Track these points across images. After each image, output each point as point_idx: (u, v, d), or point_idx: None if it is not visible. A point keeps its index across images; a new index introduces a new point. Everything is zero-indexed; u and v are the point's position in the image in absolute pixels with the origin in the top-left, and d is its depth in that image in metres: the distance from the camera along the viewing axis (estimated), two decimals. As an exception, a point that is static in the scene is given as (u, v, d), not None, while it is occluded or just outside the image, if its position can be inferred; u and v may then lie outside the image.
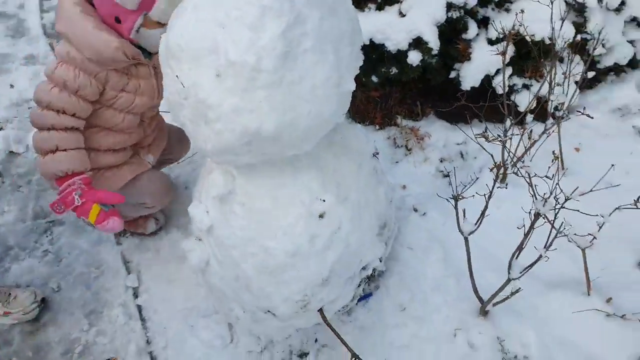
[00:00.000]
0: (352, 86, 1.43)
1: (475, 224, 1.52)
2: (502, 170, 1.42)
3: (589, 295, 1.91)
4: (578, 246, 1.79)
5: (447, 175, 2.37)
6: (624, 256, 2.04)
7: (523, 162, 1.59)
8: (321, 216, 1.60)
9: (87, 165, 1.75)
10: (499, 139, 1.63)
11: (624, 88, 2.61)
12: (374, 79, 2.32)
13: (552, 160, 1.55)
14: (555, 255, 2.01)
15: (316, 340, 1.94)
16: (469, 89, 2.27)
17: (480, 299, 1.80)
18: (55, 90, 1.66)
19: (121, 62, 1.70)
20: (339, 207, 1.63)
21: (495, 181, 1.46)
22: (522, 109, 2.32)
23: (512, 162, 1.86)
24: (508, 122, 1.98)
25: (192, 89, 1.32)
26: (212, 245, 1.73)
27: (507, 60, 2.28)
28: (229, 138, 1.34)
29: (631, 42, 2.51)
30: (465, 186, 1.50)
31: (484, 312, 1.87)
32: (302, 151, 1.48)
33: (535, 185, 1.53)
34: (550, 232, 1.46)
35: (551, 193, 1.39)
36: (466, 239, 1.57)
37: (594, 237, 1.73)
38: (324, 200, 1.60)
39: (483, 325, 1.87)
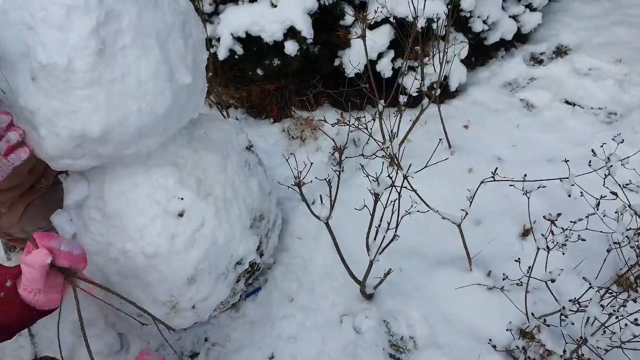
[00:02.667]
0: (188, 79, 1.40)
1: (330, 209, 1.52)
2: (341, 155, 1.42)
3: (470, 270, 1.95)
4: (453, 222, 1.82)
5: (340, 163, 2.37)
6: (508, 229, 2.08)
7: (383, 143, 1.60)
8: (180, 215, 1.57)
9: None
10: (353, 124, 1.64)
11: (512, 62, 2.67)
12: (259, 71, 2.30)
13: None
14: (443, 234, 2.06)
15: (206, 339, 1.92)
16: (352, 75, 2.27)
17: (358, 282, 1.80)
18: None
19: None
20: (201, 203, 1.60)
21: (339, 163, 1.47)
22: (411, 91, 2.34)
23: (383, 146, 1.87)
24: (380, 106, 2.00)
25: (12, 96, 1.29)
26: (79, 254, 1.68)
27: (387, 43, 2.30)
28: (57, 142, 1.31)
29: (514, 17, 2.55)
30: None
31: (367, 296, 1.88)
32: (145, 150, 1.45)
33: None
34: (396, 211, 1.46)
35: (395, 173, 1.39)
36: (327, 224, 1.57)
37: (467, 213, 1.76)
38: (182, 198, 1.57)
39: (368, 309, 1.88)
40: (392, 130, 1.76)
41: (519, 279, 1.66)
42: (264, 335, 1.88)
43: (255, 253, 1.78)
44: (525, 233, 2.07)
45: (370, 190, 1.43)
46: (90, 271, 1.65)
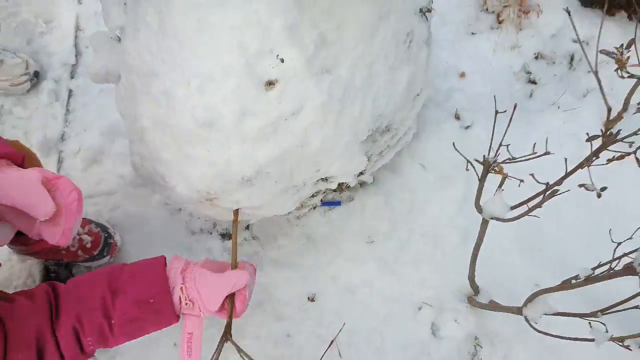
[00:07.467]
0: None
1: (514, 207, 0.82)
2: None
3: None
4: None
5: (534, 82, 1.53)
6: None
7: None
8: (270, 84, 0.93)
9: None
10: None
11: None
12: None
13: None
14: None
15: (247, 227, 1.42)
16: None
17: (476, 289, 1.18)
18: None
19: None
20: (309, 80, 0.95)
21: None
22: None
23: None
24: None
25: None
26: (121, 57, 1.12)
27: None
28: None
29: None
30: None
31: (473, 300, 1.28)
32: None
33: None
34: None
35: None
36: (484, 221, 0.89)
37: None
38: (283, 60, 0.91)
39: (464, 314, 1.29)
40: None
41: None
42: (316, 264, 1.36)
43: (353, 176, 1.16)
44: None
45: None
46: (127, 90, 1.11)
